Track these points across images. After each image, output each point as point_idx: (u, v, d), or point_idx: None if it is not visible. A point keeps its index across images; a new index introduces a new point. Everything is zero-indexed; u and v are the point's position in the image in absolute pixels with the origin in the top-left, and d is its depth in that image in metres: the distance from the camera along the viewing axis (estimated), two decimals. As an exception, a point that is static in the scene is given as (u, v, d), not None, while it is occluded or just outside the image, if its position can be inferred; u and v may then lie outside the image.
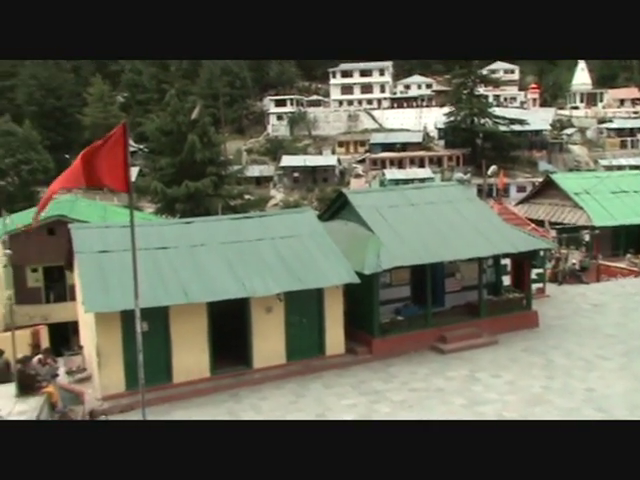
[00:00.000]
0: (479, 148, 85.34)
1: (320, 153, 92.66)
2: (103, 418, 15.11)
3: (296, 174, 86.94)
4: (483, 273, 20.25)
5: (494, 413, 14.18)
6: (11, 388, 14.03)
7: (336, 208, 21.68)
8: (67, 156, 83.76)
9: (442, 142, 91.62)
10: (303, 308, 17.84)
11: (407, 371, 17.37)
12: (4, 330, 22.79)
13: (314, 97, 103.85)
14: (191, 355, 16.48)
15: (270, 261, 17.68)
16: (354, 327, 18.56)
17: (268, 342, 17.34)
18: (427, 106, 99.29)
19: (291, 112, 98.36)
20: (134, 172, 61.97)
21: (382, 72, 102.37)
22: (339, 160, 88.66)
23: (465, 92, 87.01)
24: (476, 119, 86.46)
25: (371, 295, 18.24)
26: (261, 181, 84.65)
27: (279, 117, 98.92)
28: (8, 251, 14.32)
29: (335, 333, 18.11)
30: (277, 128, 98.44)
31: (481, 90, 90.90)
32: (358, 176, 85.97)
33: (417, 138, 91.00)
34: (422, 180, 72.35)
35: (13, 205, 54.75)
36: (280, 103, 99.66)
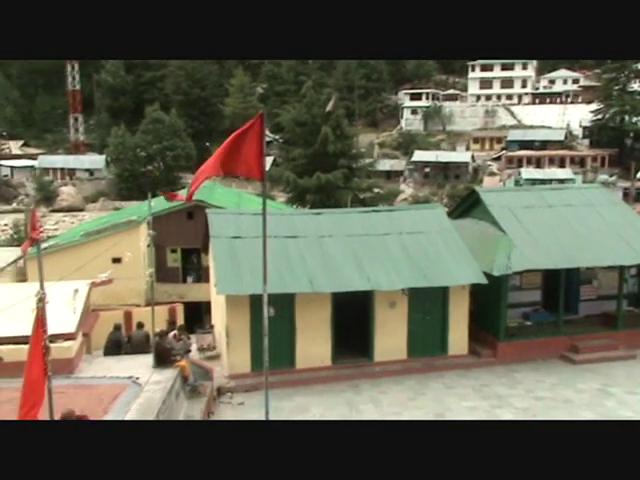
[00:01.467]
0: (628, 149, 79.83)
1: (453, 149, 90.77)
2: (229, 395, 15.84)
3: (427, 169, 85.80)
4: (624, 282, 18.99)
5: (627, 432, 13.30)
6: (149, 359, 15.03)
7: (467, 206, 21.17)
8: (207, 144, 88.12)
9: (586, 141, 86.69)
10: (427, 305, 17.64)
11: (533, 378, 16.70)
12: (145, 305, 24.48)
13: (451, 91, 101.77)
14: (314, 343, 16.83)
15: (396, 256, 17.63)
16: (479, 328, 18.11)
17: (390, 337, 17.33)
18: (572, 102, 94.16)
19: (426, 106, 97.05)
20: (268, 161, 63.91)
21: (525, 66, 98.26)
22: (473, 157, 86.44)
23: (617, 88, 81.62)
24: (627, 117, 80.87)
25: (499, 297, 17.68)
26: (391, 175, 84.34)
27: (413, 111, 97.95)
28: (152, 232, 15.27)
29: (459, 333, 17.76)
30: (411, 122, 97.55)
31: (635, 86, 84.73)
32: (492, 174, 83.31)
33: (558, 136, 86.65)
34: (561, 181, 68.84)
35: (157, 189, 58.33)
36: (415, 97, 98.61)
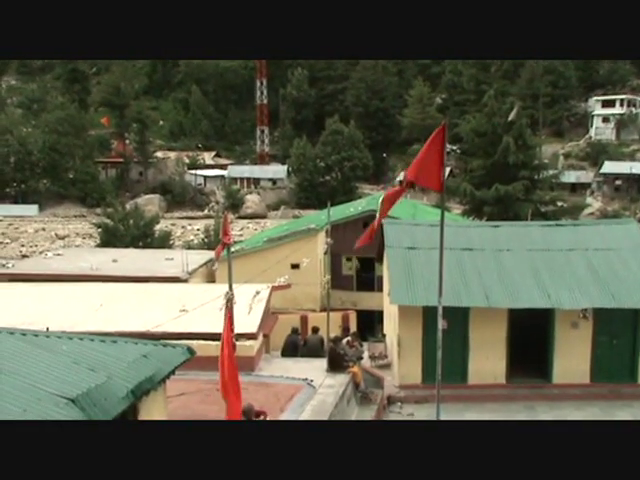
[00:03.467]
0: None
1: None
2: (399, 405, 15.87)
3: (619, 182, 79.58)
4: None
5: None
6: (323, 363, 15.52)
7: (664, 222, 19.37)
8: (385, 154, 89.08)
9: None
10: (615, 328, 16.37)
11: None
12: (320, 310, 25.29)
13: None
14: (488, 359, 16.32)
15: (581, 273, 16.58)
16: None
17: (571, 359, 16.32)
18: None
19: (620, 113, 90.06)
20: (445, 172, 63.00)
21: None
22: (673, 168, 78.74)
23: None
24: None
25: (701, 323, 15.94)
26: (577, 188, 79.39)
27: (605, 119, 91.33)
28: (329, 240, 15.78)
29: (651, 361, 16.26)
30: (601, 131, 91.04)
31: None
32: (695, 186, 75.33)
33: None
34: None
35: (334, 199, 60.04)
36: (607, 104, 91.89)
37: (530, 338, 16.65)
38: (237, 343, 8.68)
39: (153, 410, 7.04)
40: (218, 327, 8.86)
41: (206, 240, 46.85)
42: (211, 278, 26.77)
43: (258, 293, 16.59)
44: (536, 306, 15.73)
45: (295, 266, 26.79)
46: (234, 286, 8.47)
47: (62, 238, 70.34)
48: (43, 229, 75.10)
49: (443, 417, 10.09)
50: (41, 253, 43.49)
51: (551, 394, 16.18)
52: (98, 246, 44.82)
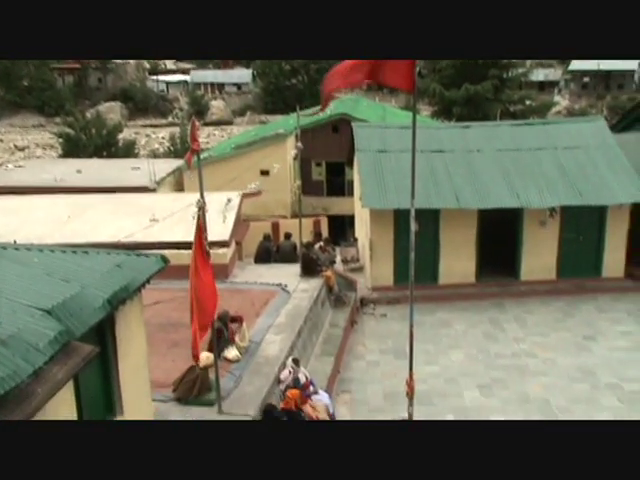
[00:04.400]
0: None
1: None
2: (372, 306, 16.23)
3: (586, 79, 79.29)
4: None
5: None
6: (296, 268, 15.65)
7: (632, 119, 19.45)
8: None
9: None
10: (581, 225, 16.71)
11: (697, 307, 15.53)
12: (291, 217, 25.33)
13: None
14: (458, 260, 16.63)
15: (549, 172, 16.70)
16: (638, 250, 16.93)
17: (539, 256, 16.72)
18: None
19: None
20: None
21: None
22: (640, 64, 78.47)
23: None
24: None
25: (664, 218, 16.34)
26: (545, 86, 78.97)
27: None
28: (300, 145, 15.52)
29: (615, 255, 16.74)
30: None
31: None
32: (661, 83, 75.48)
33: None
34: None
35: (302, 103, 58.77)
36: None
37: (499, 238, 16.94)
38: (210, 251, 8.60)
39: (130, 319, 7.04)
40: (190, 236, 8.77)
41: (172, 148, 45.95)
42: (180, 187, 26.43)
43: (229, 201, 16.43)
44: (505, 206, 15.90)
45: (265, 173, 26.54)
46: (205, 194, 8.31)
47: (22, 150, 68.37)
48: (1, 140, 72.76)
49: (415, 316, 10.32)
50: (1, 165, 42.26)
51: (519, 291, 16.66)
52: (60, 157, 43.66)
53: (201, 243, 8.03)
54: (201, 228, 8.02)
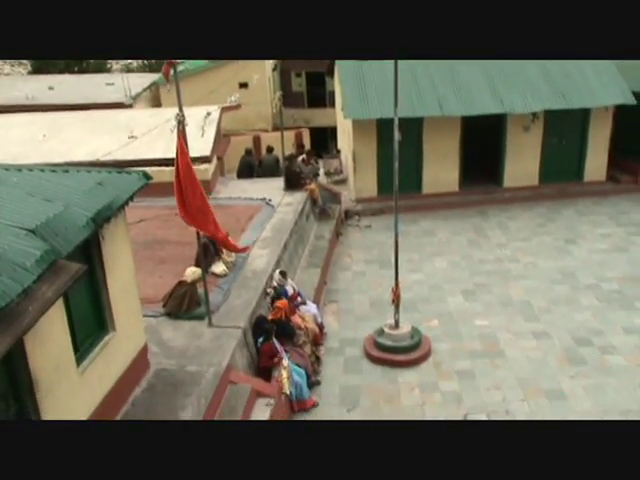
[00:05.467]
0: None
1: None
2: (356, 218, 16.31)
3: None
4: None
5: None
6: (279, 182, 15.57)
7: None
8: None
9: None
10: (564, 129, 16.66)
11: (676, 208, 15.78)
12: (272, 130, 24.93)
13: None
14: (442, 169, 16.61)
15: (533, 77, 16.43)
16: (620, 154, 17.01)
17: (521, 162, 16.74)
18: None
19: None
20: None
21: None
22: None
23: None
24: None
25: (646, 120, 16.30)
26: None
27: None
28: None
29: (597, 158, 16.81)
30: None
31: None
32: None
33: None
34: None
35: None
36: None
37: (483, 146, 16.88)
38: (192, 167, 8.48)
39: (116, 237, 7.01)
40: (171, 152, 8.62)
41: (146, 62, 44.47)
42: (157, 102, 25.75)
43: (209, 114, 16.07)
44: (489, 112, 15.73)
45: (244, 85, 25.86)
46: (183, 109, 8.10)
47: (-11, 68, 65.84)
48: (-33, 59, 69.99)
49: (400, 226, 10.42)
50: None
51: (502, 198, 16.78)
52: (30, 74, 42.18)
53: (185, 159, 7.91)
54: (182, 143, 7.87)
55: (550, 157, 16.71)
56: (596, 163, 16.83)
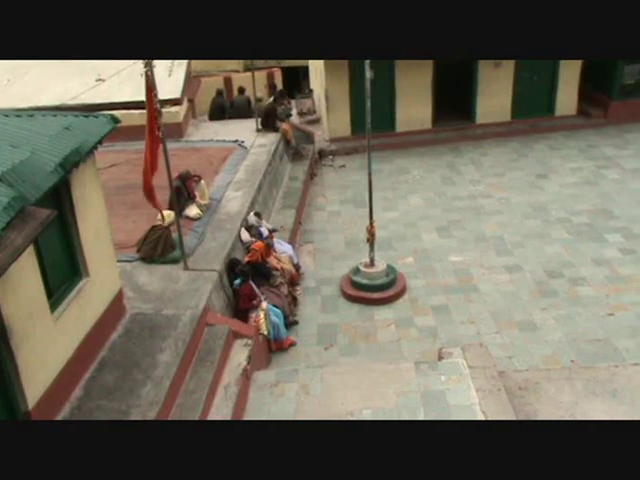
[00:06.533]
0: None
1: None
2: (330, 158, 16.24)
3: None
4: None
5: None
6: (252, 123, 15.37)
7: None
8: None
9: None
10: (536, 64, 16.54)
11: (646, 139, 15.95)
12: (243, 71, 24.41)
13: None
14: (414, 106, 16.51)
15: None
16: (590, 88, 17.02)
17: (494, 98, 16.70)
18: None
19: None
20: None
21: None
22: None
23: None
24: None
25: (618, 53, 16.26)
26: None
27: None
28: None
29: (568, 93, 16.82)
30: None
31: None
32: None
33: None
34: None
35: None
36: None
37: (455, 83, 16.75)
38: (163, 110, 8.32)
39: (86, 182, 6.92)
40: (139, 95, 8.44)
41: None
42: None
43: (176, 56, 15.65)
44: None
45: (211, 24, 25.14)
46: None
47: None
48: None
49: (373, 165, 10.41)
50: None
51: (475, 134, 16.80)
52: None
53: (152, 102, 7.75)
54: (150, 86, 7.70)
55: (522, 92, 16.68)
56: (567, 97, 16.84)
